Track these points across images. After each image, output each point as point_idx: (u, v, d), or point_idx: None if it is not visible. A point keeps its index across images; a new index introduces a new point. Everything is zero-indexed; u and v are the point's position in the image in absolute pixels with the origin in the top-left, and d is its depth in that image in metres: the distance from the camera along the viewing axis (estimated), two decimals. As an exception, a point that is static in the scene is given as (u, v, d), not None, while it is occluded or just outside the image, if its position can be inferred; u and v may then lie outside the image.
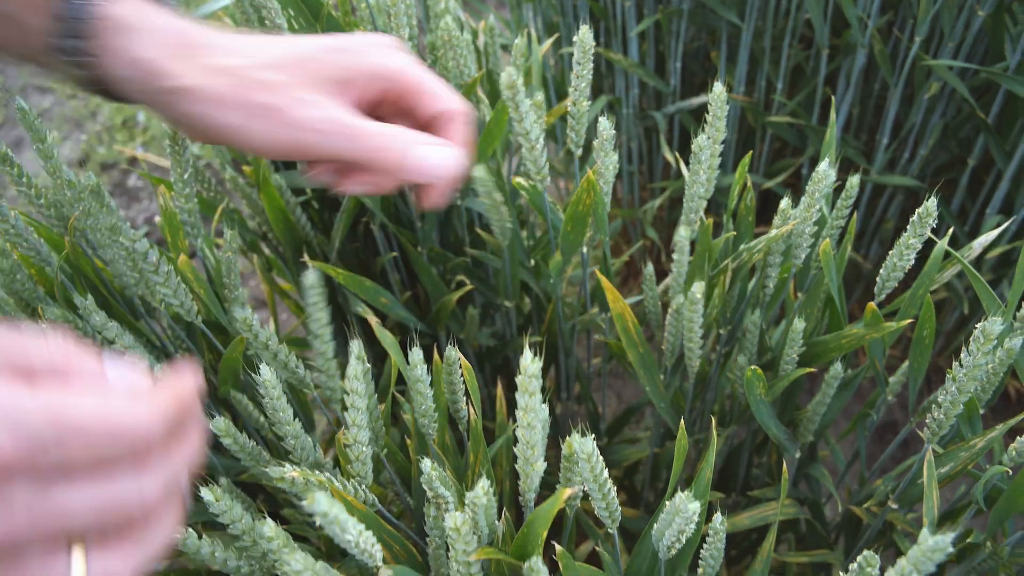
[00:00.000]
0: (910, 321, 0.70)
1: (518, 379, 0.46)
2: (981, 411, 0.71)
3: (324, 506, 0.40)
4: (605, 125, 0.66)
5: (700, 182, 0.71)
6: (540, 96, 0.81)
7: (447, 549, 0.56)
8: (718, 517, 0.55)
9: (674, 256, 0.73)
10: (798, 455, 0.82)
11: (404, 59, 0.55)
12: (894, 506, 0.76)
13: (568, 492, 0.50)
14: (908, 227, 0.66)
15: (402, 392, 0.82)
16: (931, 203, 0.63)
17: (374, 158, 0.52)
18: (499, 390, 0.69)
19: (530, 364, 0.45)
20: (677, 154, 1.16)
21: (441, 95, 0.55)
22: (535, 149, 0.68)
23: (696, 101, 1.26)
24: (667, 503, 0.49)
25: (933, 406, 0.65)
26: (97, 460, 0.33)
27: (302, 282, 0.48)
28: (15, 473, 0.31)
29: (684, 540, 0.50)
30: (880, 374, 0.78)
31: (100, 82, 0.51)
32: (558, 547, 0.51)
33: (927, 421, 0.66)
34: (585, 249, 0.83)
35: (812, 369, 0.72)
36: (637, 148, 1.43)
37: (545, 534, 0.49)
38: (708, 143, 0.69)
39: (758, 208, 1.22)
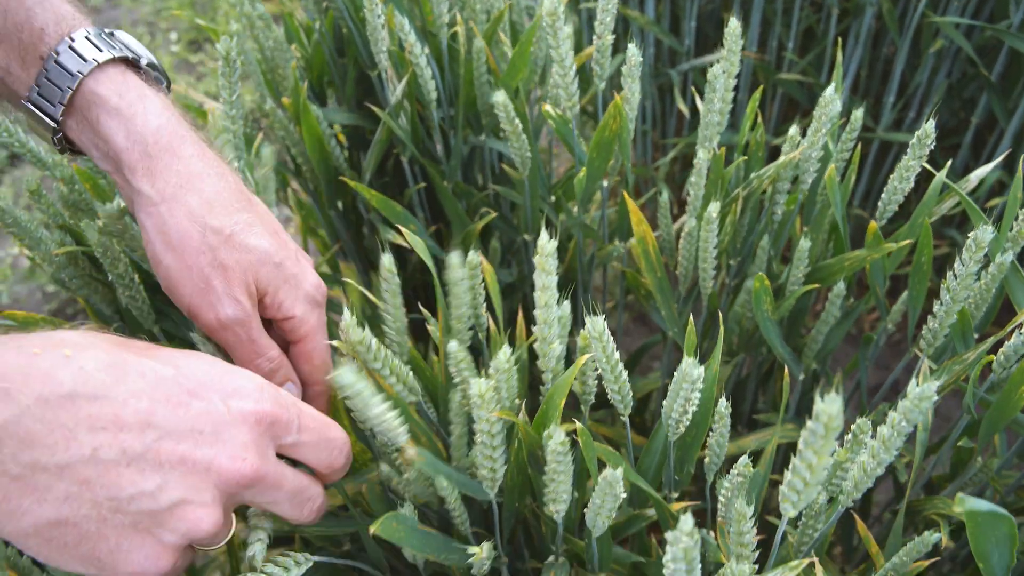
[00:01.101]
0: (910, 242, 0.74)
1: (536, 259, 0.51)
2: (975, 335, 0.75)
3: (350, 379, 0.45)
4: (633, 51, 0.71)
5: (715, 110, 0.76)
6: (569, 29, 0.85)
7: (470, 438, 0.61)
8: (723, 402, 0.60)
9: (691, 179, 0.77)
10: (801, 377, 0.87)
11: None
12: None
13: (584, 358, 0.54)
14: (908, 149, 0.70)
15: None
16: (929, 125, 0.68)
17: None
18: (519, 316, 0.73)
19: (547, 243, 0.50)
20: (696, 93, 1.21)
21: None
22: (568, 75, 0.72)
23: (710, 58, 1.31)
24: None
25: (929, 317, 0.70)
26: (305, 449, 0.48)
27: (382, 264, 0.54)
28: (265, 430, 0.45)
29: (691, 411, 0.55)
30: (880, 300, 0.82)
31: (69, 145, 0.54)
32: (578, 424, 0.55)
33: (922, 333, 0.71)
34: (606, 183, 0.88)
35: (817, 285, 0.77)
36: (651, 108, 1.47)
37: (563, 403, 0.53)
38: (723, 72, 0.74)
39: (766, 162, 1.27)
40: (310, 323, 0.57)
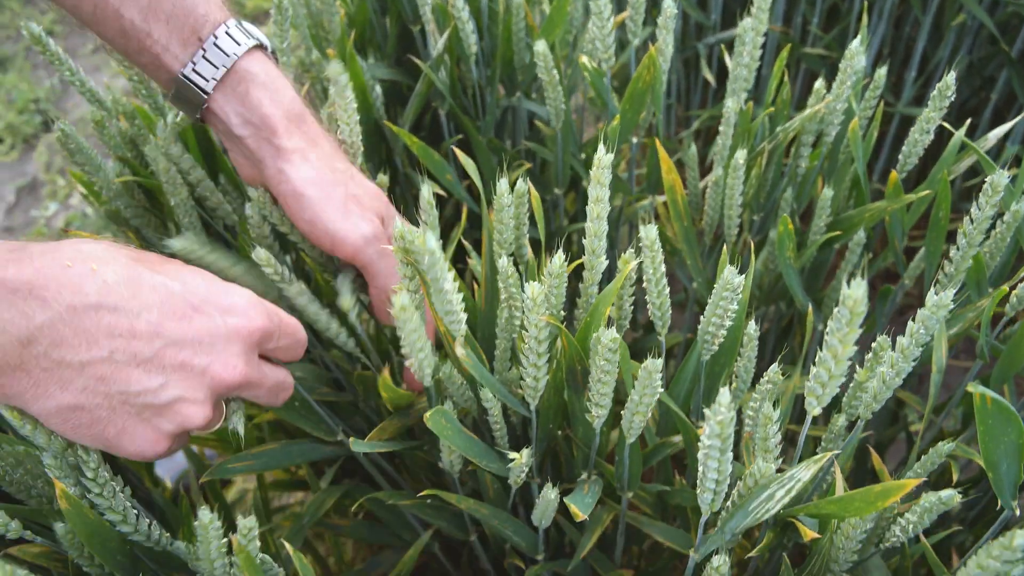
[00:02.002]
0: (929, 193, 0.78)
1: (591, 172, 0.54)
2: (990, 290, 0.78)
3: (404, 300, 0.49)
4: (669, 3, 0.74)
5: (743, 64, 0.79)
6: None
7: (512, 353, 0.65)
8: (751, 324, 0.63)
9: (720, 130, 0.81)
10: (821, 327, 0.90)
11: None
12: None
13: (632, 265, 0.58)
14: (928, 102, 0.74)
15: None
16: (950, 78, 0.71)
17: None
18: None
19: (604, 156, 0.53)
20: (725, 59, 1.24)
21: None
22: (604, 28, 0.76)
23: (737, 32, 1.34)
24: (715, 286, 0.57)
25: (944, 262, 0.73)
26: (281, 351, 0.58)
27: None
28: (253, 342, 0.54)
29: (727, 325, 0.58)
30: (898, 254, 0.86)
31: (205, 115, 0.63)
32: (614, 334, 0.57)
33: (938, 277, 0.74)
34: (635, 140, 0.92)
35: (838, 232, 0.80)
36: (676, 82, 1.51)
37: (608, 312, 0.57)
38: (751, 28, 0.78)
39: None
40: None
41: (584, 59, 0.83)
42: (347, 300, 0.66)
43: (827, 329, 0.43)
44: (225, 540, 0.54)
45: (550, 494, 0.58)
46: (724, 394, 0.41)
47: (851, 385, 0.61)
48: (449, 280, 0.50)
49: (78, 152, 0.74)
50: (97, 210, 0.86)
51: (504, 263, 0.59)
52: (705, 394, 0.71)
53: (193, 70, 0.60)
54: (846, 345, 0.43)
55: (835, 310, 0.42)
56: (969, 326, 0.78)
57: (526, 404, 0.64)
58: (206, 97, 0.61)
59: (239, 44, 0.61)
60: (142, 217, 0.79)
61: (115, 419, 0.50)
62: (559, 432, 0.69)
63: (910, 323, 0.51)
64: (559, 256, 0.55)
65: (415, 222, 0.60)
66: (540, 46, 0.77)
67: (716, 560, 0.51)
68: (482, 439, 0.64)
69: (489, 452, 0.62)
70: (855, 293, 0.40)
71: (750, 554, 0.58)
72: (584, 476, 0.68)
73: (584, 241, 0.57)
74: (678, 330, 1.28)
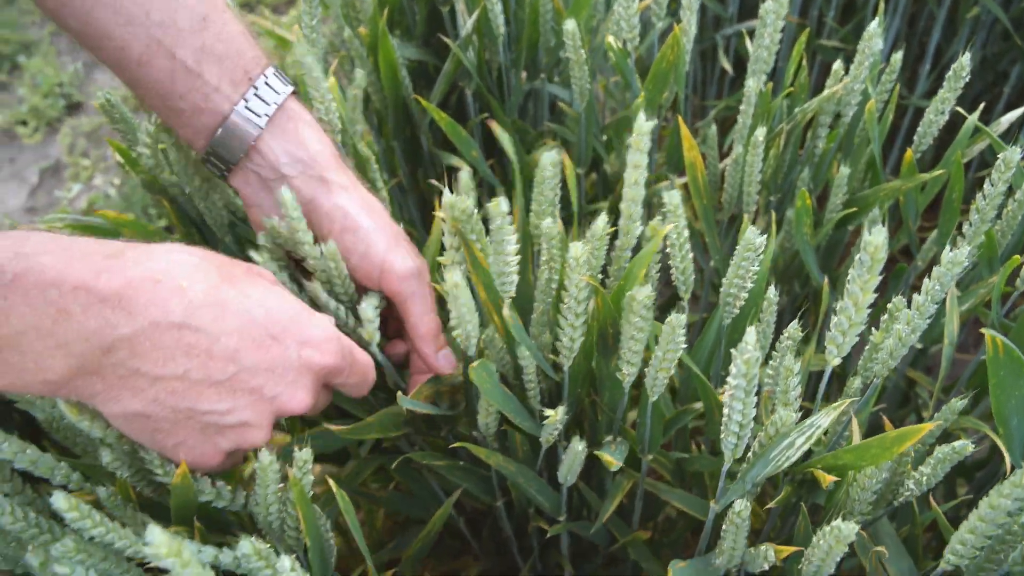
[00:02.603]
0: (944, 172, 0.80)
1: (629, 139, 0.57)
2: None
3: (456, 278, 0.52)
4: (691, -18, 0.77)
5: (764, 45, 0.82)
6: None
7: (550, 316, 0.68)
8: (771, 289, 0.66)
9: (741, 108, 0.83)
10: (836, 305, 0.92)
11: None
12: (919, 345, 0.86)
13: (666, 229, 0.60)
14: (944, 83, 0.76)
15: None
16: (965, 59, 0.74)
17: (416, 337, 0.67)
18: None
19: (644, 123, 0.56)
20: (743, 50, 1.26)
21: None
22: (630, 7, 0.79)
23: (754, 23, 1.37)
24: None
25: (958, 239, 0.76)
26: (348, 387, 0.61)
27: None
28: (323, 376, 0.56)
29: (749, 286, 0.61)
30: (912, 234, 0.88)
31: (246, 158, 0.63)
32: (644, 291, 0.58)
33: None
34: (656, 121, 0.94)
35: (854, 209, 0.82)
36: (693, 73, 1.53)
37: (643, 274, 0.59)
38: (772, 10, 0.80)
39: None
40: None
41: (610, 39, 0.85)
42: (372, 327, 0.64)
43: (848, 278, 0.46)
44: (281, 485, 0.57)
45: (577, 446, 0.60)
46: (750, 333, 0.43)
47: (867, 348, 0.63)
48: (512, 242, 0.53)
49: (121, 120, 0.77)
50: (131, 180, 0.89)
51: (548, 223, 0.61)
52: (724, 360, 0.73)
53: (245, 107, 0.61)
54: (866, 292, 0.45)
55: (856, 257, 0.44)
56: (980, 302, 0.81)
57: (557, 368, 0.67)
58: (256, 134, 0.62)
59: (286, 85, 0.63)
60: (177, 186, 0.82)
61: (177, 431, 0.52)
62: (586, 398, 0.72)
63: (926, 280, 0.53)
64: (602, 218, 0.58)
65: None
66: (570, 24, 0.80)
67: (738, 505, 0.54)
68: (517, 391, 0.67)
69: (522, 411, 0.64)
70: (875, 239, 0.43)
71: (769, 505, 0.60)
72: (609, 439, 0.71)
73: (603, 218, 0.59)
74: (692, 312, 1.30)
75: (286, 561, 0.43)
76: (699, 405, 0.73)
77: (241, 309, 0.51)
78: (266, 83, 0.62)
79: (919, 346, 0.87)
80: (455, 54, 0.93)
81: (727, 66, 1.29)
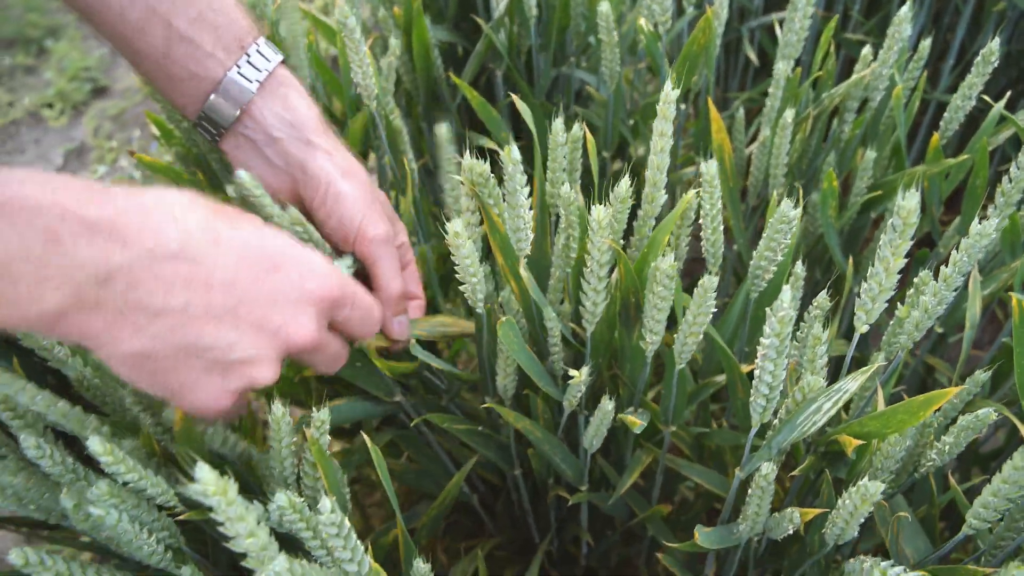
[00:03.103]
0: (968, 157, 0.81)
1: (658, 107, 0.58)
2: None
3: (457, 227, 0.54)
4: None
5: (794, 29, 0.83)
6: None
7: (567, 284, 0.69)
8: (799, 264, 0.67)
9: (769, 91, 0.84)
10: (858, 288, 0.93)
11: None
12: (940, 329, 0.87)
13: (691, 195, 0.61)
14: (972, 68, 0.77)
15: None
16: (994, 43, 0.75)
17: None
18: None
19: (671, 91, 0.57)
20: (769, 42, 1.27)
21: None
22: (662, -11, 0.80)
23: (780, 15, 1.38)
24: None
25: (984, 223, 0.77)
26: (353, 323, 0.59)
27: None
28: (327, 308, 0.55)
29: (779, 259, 0.62)
30: (934, 222, 0.89)
31: (238, 123, 0.65)
32: (669, 261, 0.57)
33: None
34: (683, 106, 0.96)
35: (880, 192, 0.83)
36: (716, 65, 1.54)
37: (667, 241, 0.61)
38: (804, -6, 0.81)
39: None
40: (411, 249, 0.71)
41: (641, 21, 0.87)
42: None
43: (879, 243, 0.47)
44: (295, 439, 0.58)
45: (607, 405, 0.61)
46: (785, 291, 0.45)
47: (891, 324, 0.64)
48: (525, 194, 0.54)
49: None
50: (167, 151, 0.90)
51: (567, 188, 0.62)
52: (749, 336, 0.75)
53: (238, 72, 0.63)
54: (898, 257, 0.47)
55: (888, 222, 0.46)
56: (1002, 287, 0.82)
57: (577, 337, 0.68)
58: (248, 99, 0.63)
59: (276, 54, 0.65)
60: (215, 152, 0.84)
61: (182, 371, 0.50)
62: (606, 371, 0.73)
63: (953, 252, 0.55)
64: (625, 181, 0.59)
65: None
66: (604, 6, 0.81)
67: (765, 468, 0.55)
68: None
69: (545, 374, 0.66)
70: (908, 203, 0.44)
71: (793, 473, 0.61)
72: (631, 410, 0.72)
73: (625, 181, 0.60)
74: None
75: (327, 502, 0.45)
76: (721, 378, 0.75)
77: (238, 240, 0.50)
78: (258, 51, 0.64)
79: (939, 330, 0.88)
80: (487, 35, 0.94)
81: (752, 56, 1.30)
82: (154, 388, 0.51)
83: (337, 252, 0.69)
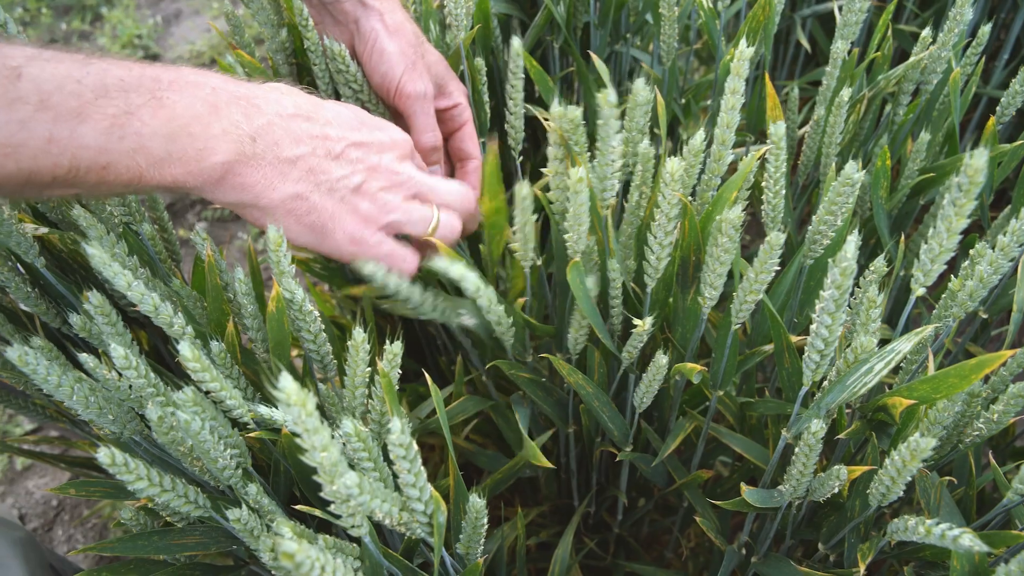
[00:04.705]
0: (1022, 144, 0.82)
1: (732, 64, 0.59)
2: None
3: (581, 172, 0.55)
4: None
5: (855, 8, 0.84)
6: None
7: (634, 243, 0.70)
8: (855, 234, 0.68)
9: (826, 70, 0.85)
10: (902, 274, 0.94)
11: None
12: (984, 315, 0.88)
13: (761, 151, 0.62)
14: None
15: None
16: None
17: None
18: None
19: (745, 50, 0.58)
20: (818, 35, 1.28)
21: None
22: (722, -36, 0.81)
23: (832, 4, 1.38)
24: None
25: (1035, 207, 0.77)
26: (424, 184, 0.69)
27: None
28: (409, 153, 0.68)
29: (839, 224, 0.63)
30: (984, 208, 0.90)
31: None
32: (736, 212, 0.58)
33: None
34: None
35: (932, 174, 0.84)
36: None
37: (735, 196, 0.62)
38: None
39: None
40: (469, 110, 0.80)
41: (702, -2, 0.88)
42: None
43: (943, 202, 0.48)
44: (369, 369, 0.60)
45: (661, 360, 0.63)
46: (850, 242, 0.46)
47: (943, 296, 0.65)
48: (618, 140, 0.56)
49: (260, 11, 0.81)
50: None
51: (645, 144, 0.64)
52: (800, 307, 0.76)
53: None
54: (960, 217, 0.48)
55: (954, 180, 0.47)
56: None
57: (635, 293, 0.70)
58: None
59: None
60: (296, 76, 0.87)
61: (325, 205, 0.62)
62: (658, 334, 0.75)
63: (1012, 221, 0.56)
64: (700, 133, 0.60)
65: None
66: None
67: (814, 425, 0.56)
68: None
69: (604, 328, 0.67)
70: (976, 162, 0.45)
71: (839, 435, 0.62)
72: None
73: (700, 134, 0.61)
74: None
75: (397, 422, 0.46)
76: (768, 347, 0.76)
77: (332, 108, 0.64)
78: None
79: (983, 315, 0.88)
80: (547, 6, 0.96)
81: (804, 42, 1.31)
82: (308, 230, 0.63)
83: (383, 105, 0.79)
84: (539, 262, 0.80)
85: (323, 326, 0.63)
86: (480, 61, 0.83)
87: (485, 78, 0.83)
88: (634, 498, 1.03)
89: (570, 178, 0.54)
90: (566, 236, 0.58)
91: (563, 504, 1.05)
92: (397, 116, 0.78)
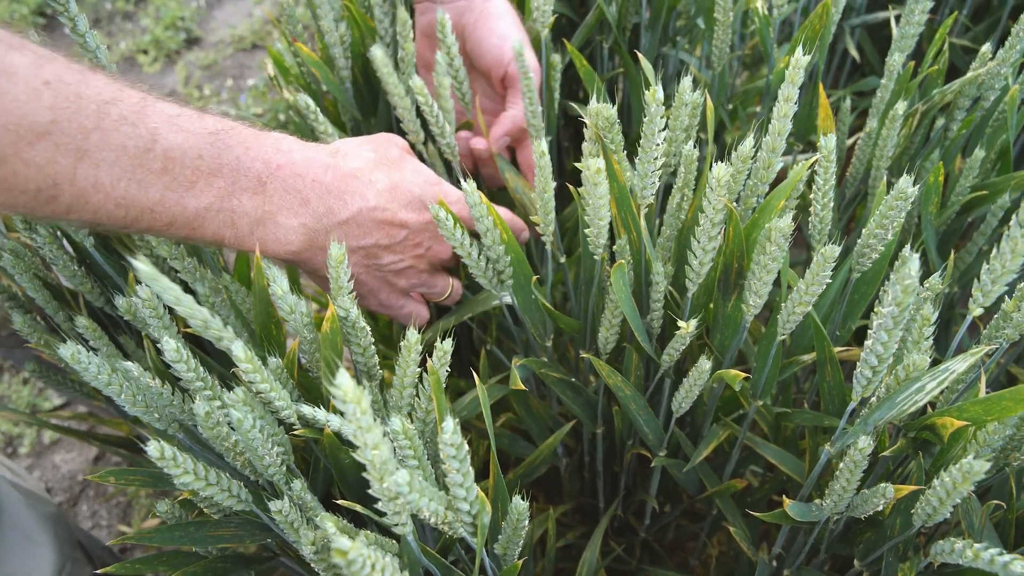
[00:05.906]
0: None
1: (787, 71, 0.59)
2: None
3: (600, 163, 0.55)
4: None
5: (913, 21, 0.83)
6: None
7: (673, 248, 0.70)
8: (907, 248, 0.67)
9: (881, 82, 0.84)
10: (947, 291, 0.93)
11: None
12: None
13: (813, 160, 0.62)
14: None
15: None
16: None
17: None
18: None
19: (800, 57, 0.58)
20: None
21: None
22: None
23: (882, 15, 1.37)
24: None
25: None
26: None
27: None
28: (420, 232, 0.71)
29: (890, 237, 0.62)
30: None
31: None
32: (786, 221, 0.59)
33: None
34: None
35: (984, 192, 0.83)
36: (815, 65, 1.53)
37: (783, 204, 0.61)
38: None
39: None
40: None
41: (757, 3, 0.87)
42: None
43: (1010, 222, 0.47)
44: (419, 369, 0.60)
45: (704, 364, 0.62)
46: (914, 260, 0.45)
47: (995, 317, 0.64)
48: (661, 138, 0.55)
49: (322, 4, 0.82)
50: (247, 109, 0.93)
51: (689, 147, 0.63)
52: (843, 320, 0.75)
53: None
54: (1027, 239, 0.47)
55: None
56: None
57: (671, 296, 0.69)
58: None
59: None
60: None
61: (369, 281, 0.71)
62: (696, 341, 0.74)
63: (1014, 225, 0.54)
64: (748, 141, 0.59)
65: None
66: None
67: (862, 442, 0.56)
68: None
69: (643, 330, 0.67)
70: (1049, 184, 0.44)
71: (884, 452, 0.62)
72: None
73: (749, 141, 0.61)
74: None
75: (450, 422, 0.46)
76: (807, 357, 0.75)
77: (405, 188, 0.69)
78: None
79: (1030, 338, 0.87)
80: (599, 6, 0.95)
81: (853, 52, 1.29)
82: (367, 302, 0.74)
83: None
84: (562, 259, 0.80)
85: (373, 339, 0.63)
86: (556, 57, 0.84)
87: (559, 75, 0.85)
88: (661, 503, 1.02)
89: (589, 169, 0.54)
90: (587, 231, 0.57)
91: (586, 503, 1.05)
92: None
